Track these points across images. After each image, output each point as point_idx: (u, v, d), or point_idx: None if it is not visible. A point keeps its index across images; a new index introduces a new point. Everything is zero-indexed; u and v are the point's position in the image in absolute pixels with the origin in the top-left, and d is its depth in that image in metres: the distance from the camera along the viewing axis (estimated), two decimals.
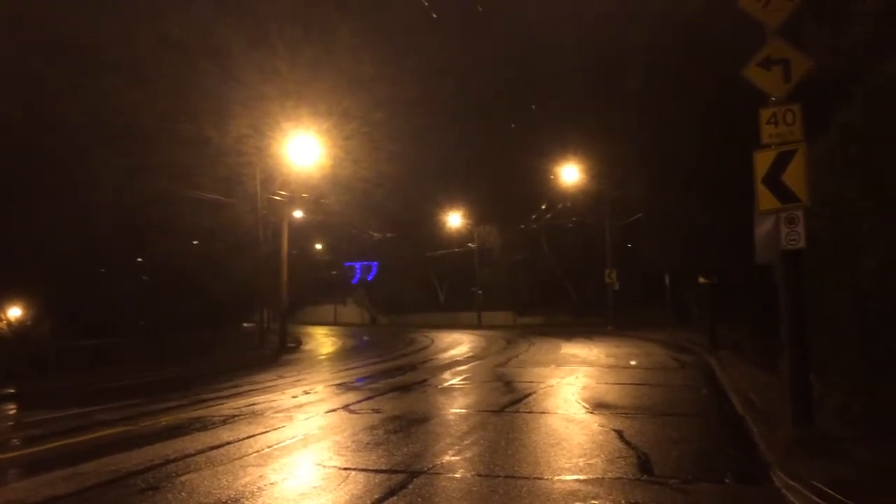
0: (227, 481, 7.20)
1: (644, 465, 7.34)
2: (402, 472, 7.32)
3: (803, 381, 7.48)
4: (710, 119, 22.60)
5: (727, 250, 20.72)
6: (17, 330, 26.87)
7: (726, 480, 6.73)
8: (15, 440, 10.84)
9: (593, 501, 6.08)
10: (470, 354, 24.32)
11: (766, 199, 7.64)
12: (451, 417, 10.99)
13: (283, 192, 31.54)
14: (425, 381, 16.31)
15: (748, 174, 7.86)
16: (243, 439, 9.47)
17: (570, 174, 41.24)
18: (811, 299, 9.17)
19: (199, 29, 31.72)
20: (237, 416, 11.67)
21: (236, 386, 16.79)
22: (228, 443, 9.24)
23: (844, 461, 6.52)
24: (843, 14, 10.49)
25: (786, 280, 7.65)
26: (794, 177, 7.44)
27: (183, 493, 6.80)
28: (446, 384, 15.47)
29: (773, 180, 7.55)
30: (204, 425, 10.80)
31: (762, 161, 7.67)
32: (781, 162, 7.52)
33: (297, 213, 40.92)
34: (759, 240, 8.18)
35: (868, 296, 8.09)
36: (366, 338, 42.85)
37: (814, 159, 8.25)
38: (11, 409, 15.14)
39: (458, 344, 30.59)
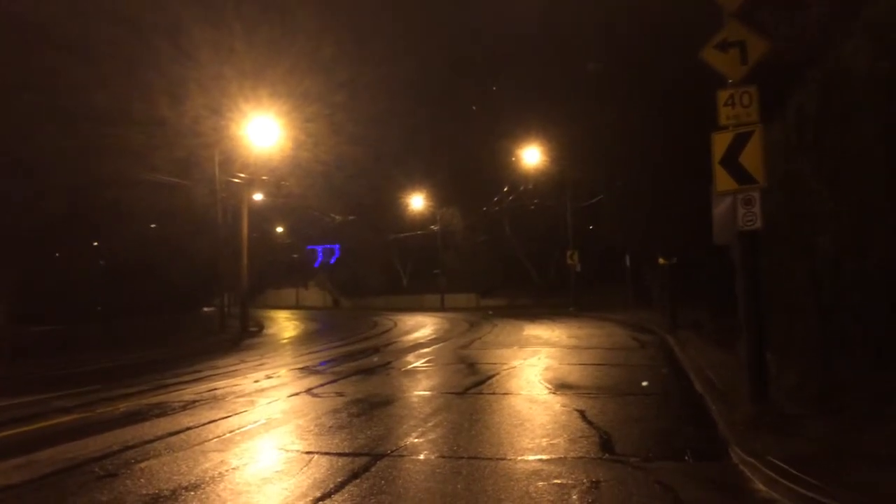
0: (187, 467, 7.11)
1: (606, 443, 7.45)
2: (365, 454, 7.31)
3: (760, 360, 7.63)
4: (670, 100, 22.79)
5: (687, 231, 20.98)
6: None
7: (686, 458, 6.85)
8: None
9: (556, 480, 6.14)
10: (433, 337, 24.36)
11: (723, 180, 7.73)
12: (415, 400, 11.00)
13: (243, 175, 31.09)
14: (388, 363, 16.30)
15: (707, 155, 7.95)
16: (204, 424, 9.37)
17: (531, 156, 41.40)
18: (768, 279, 9.33)
19: (153, 5, 30.98)
20: (198, 401, 11.53)
21: (197, 371, 16.58)
22: (189, 428, 9.14)
23: (800, 437, 6.68)
24: None
25: (742, 260, 7.78)
26: (751, 158, 7.54)
27: (142, 480, 6.71)
28: (409, 367, 15.48)
29: (731, 161, 7.64)
30: (164, 411, 10.66)
31: (720, 142, 7.76)
32: (738, 143, 7.61)
33: (258, 196, 40.42)
34: (716, 220, 8.29)
35: (823, 276, 8.25)
36: (326, 322, 42.68)
37: (771, 142, 8.36)
38: None
39: (422, 327, 30.63)
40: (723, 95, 7.79)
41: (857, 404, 6.79)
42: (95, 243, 33.69)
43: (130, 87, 27.86)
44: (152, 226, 33.76)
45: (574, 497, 5.69)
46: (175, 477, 6.76)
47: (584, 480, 6.10)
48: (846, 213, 7.53)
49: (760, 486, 5.82)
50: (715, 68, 7.90)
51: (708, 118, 8.00)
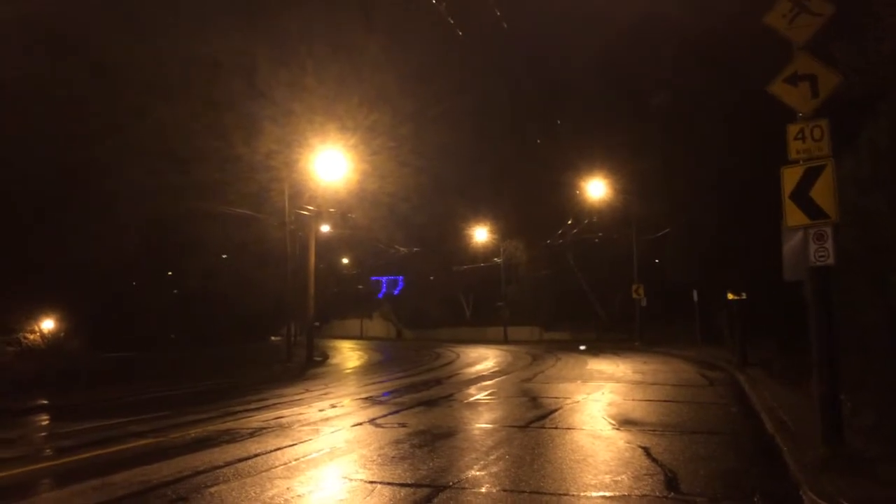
0: (254, 493, 7.28)
1: (671, 482, 7.30)
2: (427, 486, 7.35)
3: (833, 400, 7.39)
4: (736, 134, 22.49)
5: (756, 266, 20.54)
6: (50, 343, 27.36)
7: (755, 499, 6.67)
8: (47, 450, 11.05)
9: None
10: (496, 369, 24.28)
11: (793, 214, 7.59)
12: (477, 432, 11.00)
13: (311, 207, 31.84)
14: (451, 395, 16.32)
15: (776, 189, 7.83)
16: (271, 452, 9.56)
17: (595, 189, 41.15)
18: (841, 316, 9.07)
19: (231, 48, 32.33)
20: (265, 428, 11.78)
21: (264, 399, 16.93)
22: (256, 455, 9.34)
23: (874, 480, 6.43)
24: (872, 30, 10.43)
25: (814, 297, 7.59)
26: (823, 192, 7.40)
27: None
28: (472, 399, 15.47)
29: (801, 196, 7.51)
30: (232, 437, 10.92)
31: (790, 177, 7.64)
32: (809, 178, 7.48)
33: (325, 228, 41.28)
34: (787, 256, 8.13)
35: None
36: (391, 353, 42.96)
37: (842, 175, 8.20)
38: (44, 420, 15.43)
39: (484, 359, 30.55)
40: (793, 129, 7.69)
41: None
42: (169, 273, 34.96)
43: (208, 125, 29.04)
44: (224, 257, 34.85)
45: None
46: (243, 502, 6.94)
47: None
48: None
49: None
50: (784, 102, 7.81)
51: (775, 152, 7.91)
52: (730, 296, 22.80)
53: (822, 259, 7.43)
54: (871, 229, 8.71)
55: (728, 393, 15.49)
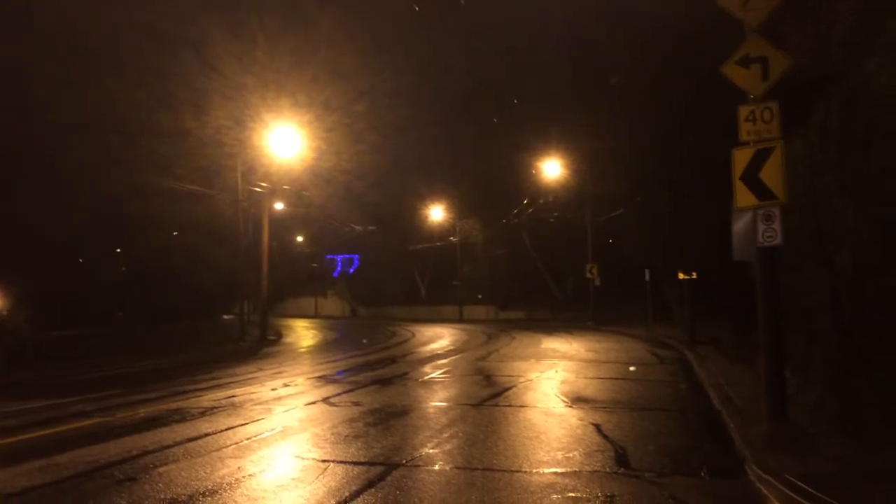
0: (204, 473, 7.18)
1: (621, 458, 7.42)
2: (380, 464, 7.34)
3: (778, 377, 7.56)
4: (690, 115, 22.74)
5: (707, 246, 20.89)
6: None
7: (702, 474, 6.82)
8: None
9: (570, 494, 6.13)
10: (451, 348, 24.37)
11: (743, 195, 7.70)
12: (431, 410, 11.02)
13: (264, 184, 31.33)
14: (406, 374, 16.33)
15: (727, 171, 7.92)
16: (222, 431, 9.44)
17: (551, 169, 41.35)
18: (789, 296, 9.27)
19: (179, 18, 31.48)
20: (216, 407, 11.62)
21: (216, 378, 16.71)
22: (207, 434, 9.22)
23: (818, 455, 6.62)
24: (824, 14, 10.59)
25: (762, 277, 7.73)
26: (772, 174, 7.51)
27: (160, 485, 6.78)
28: (427, 377, 15.50)
29: (751, 177, 7.61)
30: (182, 417, 10.76)
31: (740, 158, 7.73)
32: (759, 159, 7.58)
33: (279, 205, 40.72)
34: (736, 236, 8.25)
35: (843, 292, 8.19)
36: (344, 331, 42.80)
37: (793, 157, 8.34)
38: None
39: (439, 338, 30.64)
40: (744, 111, 7.77)
41: (876, 424, 6.72)
42: (118, 250, 34.14)
43: (156, 98, 28.30)
44: (175, 234, 34.16)
45: None
46: (193, 482, 6.83)
47: (599, 494, 6.09)
48: (867, 231, 7.49)
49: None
50: (736, 84, 7.87)
51: (728, 133, 7.99)
52: (681, 275, 23.21)
53: (769, 240, 7.55)
54: (819, 211, 8.90)
55: (677, 370, 15.80)
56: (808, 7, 10.77)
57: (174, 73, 30.30)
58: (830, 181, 8.49)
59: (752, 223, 7.74)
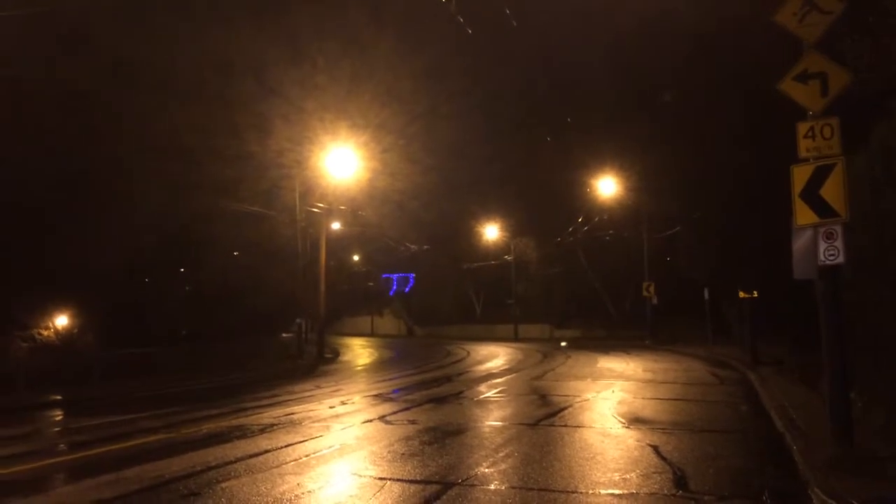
0: (265, 489, 7.35)
1: (679, 480, 7.32)
2: (436, 482, 7.40)
3: (843, 399, 7.39)
4: (746, 131, 22.38)
5: (768, 264, 20.45)
6: (64, 338, 27.65)
7: (763, 498, 6.68)
8: (62, 445, 11.19)
9: None
10: (506, 367, 24.30)
11: (803, 213, 7.59)
12: (487, 430, 11.04)
13: (322, 204, 31.92)
14: (461, 393, 16.37)
15: (787, 188, 7.82)
16: (281, 448, 9.64)
17: (606, 187, 41.04)
18: (854, 315, 9.04)
19: (242, 47, 32.45)
20: (276, 424, 11.86)
21: (275, 395, 17.04)
22: (267, 451, 9.42)
23: (884, 480, 6.43)
24: (883, 28, 10.37)
25: (824, 295, 7.58)
26: (833, 191, 7.38)
27: (223, 499, 6.97)
28: (482, 396, 15.51)
29: (811, 195, 7.50)
30: (244, 433, 11.01)
31: (800, 175, 7.63)
32: (819, 176, 7.47)
33: (335, 225, 41.41)
34: (796, 255, 8.11)
35: None
36: (400, 350, 43.02)
37: (854, 174, 8.17)
38: (58, 415, 15.58)
39: (494, 356, 30.58)
40: (802, 128, 7.68)
41: None
42: (182, 269, 35.18)
43: (221, 124, 29.20)
44: (235, 254, 35.03)
45: None
46: (254, 498, 7.01)
47: None
48: None
49: None
50: (794, 100, 7.80)
51: (785, 149, 7.89)
52: (741, 294, 22.72)
53: (831, 258, 7.42)
54: (884, 228, 8.68)
55: (738, 391, 15.45)
56: (867, 22, 10.56)
57: (239, 100, 31.25)
58: (893, 197, 8.27)
59: (812, 241, 7.62)
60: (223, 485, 7.58)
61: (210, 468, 8.45)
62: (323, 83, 32.49)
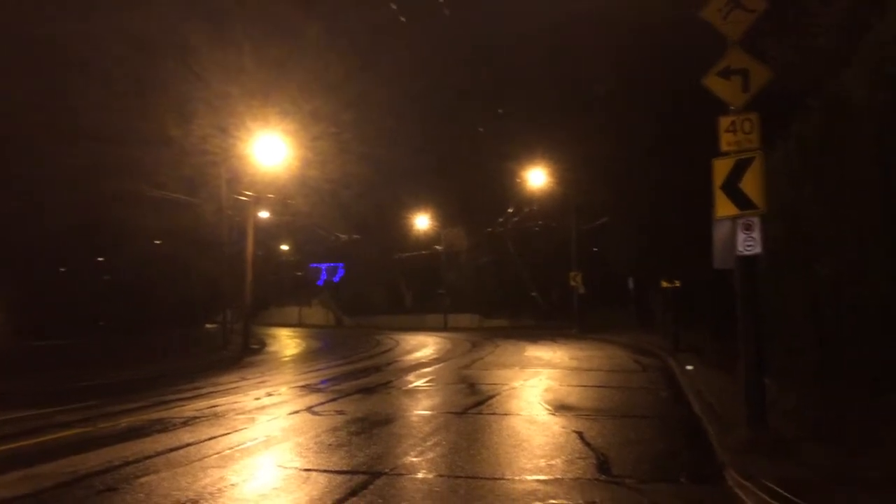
0: (186, 483, 7.15)
1: (602, 465, 7.46)
2: (363, 472, 7.34)
3: (757, 384, 7.65)
4: (673, 125, 22.93)
5: (690, 255, 21.04)
6: None
7: (681, 480, 6.88)
8: None
9: (552, 501, 6.17)
10: (435, 357, 24.36)
11: (723, 205, 7.80)
12: (415, 419, 11.03)
13: (249, 193, 31.21)
14: (390, 382, 16.31)
15: (709, 180, 8.02)
16: (204, 441, 9.40)
17: (536, 178, 41.51)
18: (769, 305, 9.38)
19: (162, 27, 31.35)
20: (198, 417, 11.57)
21: (198, 388, 16.62)
22: (189, 444, 9.17)
23: (795, 461, 6.69)
24: (805, 28, 10.75)
25: (742, 284, 7.82)
26: (751, 184, 7.61)
27: (141, 495, 6.75)
28: (410, 386, 15.49)
29: (731, 187, 7.71)
30: (164, 427, 10.69)
31: (721, 168, 7.83)
32: (739, 169, 7.68)
33: (263, 214, 40.58)
34: (717, 245, 8.34)
35: (822, 302, 8.30)
36: (329, 340, 42.64)
37: (772, 168, 8.45)
38: None
39: (424, 346, 30.62)
40: (724, 122, 7.87)
41: (853, 430, 6.81)
42: (100, 259, 33.93)
43: (139, 106, 28.15)
44: (157, 242, 33.98)
45: None
46: (174, 492, 6.80)
47: (581, 501, 6.13)
48: (845, 240, 7.60)
49: None
50: (717, 95, 7.98)
51: (711, 143, 8.08)
52: (664, 283, 23.34)
53: (749, 248, 7.65)
54: (799, 220, 9.02)
55: (659, 378, 15.89)
56: (788, 20, 10.93)
57: (157, 82, 30.18)
58: (809, 191, 8.61)
59: (732, 232, 7.83)
60: (142, 480, 7.34)
61: (128, 463, 8.17)
62: (250, 68, 31.65)
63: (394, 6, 17.85)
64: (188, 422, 11.11)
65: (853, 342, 7.46)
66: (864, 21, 8.88)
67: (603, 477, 6.99)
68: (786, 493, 5.62)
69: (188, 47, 30.18)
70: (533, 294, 51.00)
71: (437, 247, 54.81)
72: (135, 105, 27.96)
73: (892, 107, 6.31)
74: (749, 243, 7.65)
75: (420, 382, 16.11)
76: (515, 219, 46.76)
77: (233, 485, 7.06)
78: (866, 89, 6.89)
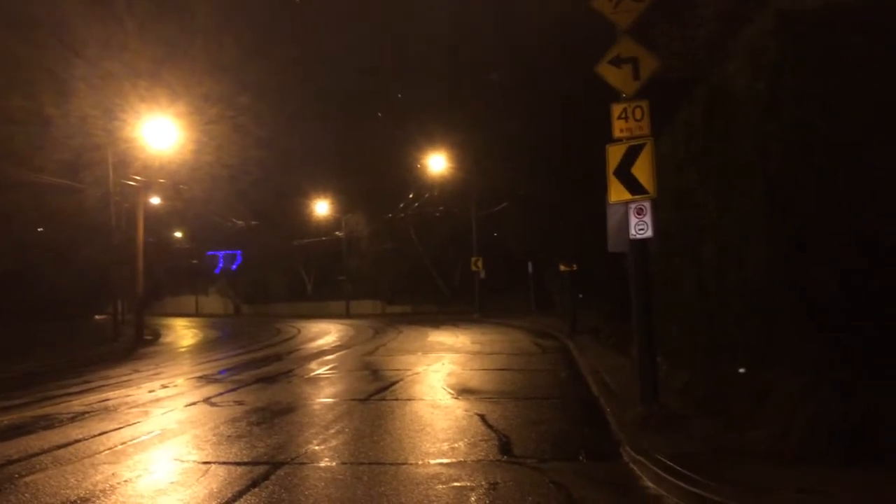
0: (76, 480, 6.82)
1: (504, 446, 7.61)
2: (264, 463, 7.20)
3: (650, 363, 7.97)
4: (569, 112, 23.51)
5: (586, 239, 21.68)
6: None
7: (580, 458, 7.10)
8: None
9: (455, 483, 6.24)
10: (337, 344, 24.16)
11: (616, 190, 8.05)
12: (317, 407, 10.91)
13: (139, 178, 29.81)
14: (291, 371, 16.07)
15: (604, 166, 8.26)
16: (94, 436, 8.98)
17: (437, 164, 41.69)
18: (661, 287, 9.78)
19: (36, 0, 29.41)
20: (88, 412, 11.04)
21: (87, 381, 15.85)
22: (78, 440, 8.74)
23: (685, 436, 7.03)
24: (690, 18, 11.21)
25: (634, 267, 8.11)
26: (642, 170, 7.88)
27: (27, 495, 6.38)
28: (312, 374, 15.31)
29: (624, 173, 7.97)
30: (51, 423, 10.14)
31: (614, 154, 8.08)
32: (631, 155, 7.94)
33: (155, 200, 39.03)
34: (611, 229, 8.62)
35: (708, 283, 8.72)
36: (227, 329, 41.56)
37: (662, 154, 8.78)
38: None
39: (326, 333, 30.30)
40: (616, 109, 8.11)
41: (738, 405, 7.20)
42: None
43: (10, 84, 26.30)
44: (39, 230, 32.06)
45: (472, 499, 5.80)
46: (63, 491, 6.47)
47: (483, 482, 6.23)
48: (728, 224, 8.00)
49: (649, 483, 6.10)
50: (609, 82, 8.21)
51: (605, 130, 8.31)
52: (562, 267, 23.97)
53: (641, 232, 7.94)
54: (685, 205, 9.44)
55: (559, 360, 16.34)
56: (674, 11, 11.37)
57: (30, 57, 28.22)
58: (694, 176, 9.00)
59: (624, 216, 8.11)
60: (27, 479, 6.94)
61: (11, 462, 7.70)
62: (134, 46, 30.17)
63: None
64: (77, 417, 10.58)
65: (735, 322, 7.88)
66: (742, 13, 9.35)
67: (505, 458, 7.13)
68: (677, 467, 5.90)
69: (65, 23, 28.47)
70: (435, 279, 51.34)
71: (338, 233, 54.27)
72: (6, 82, 26.11)
73: (771, 96, 6.66)
74: (641, 227, 7.94)
75: (322, 370, 15.94)
76: (416, 204, 46.88)
77: (126, 481, 6.78)
78: (747, 79, 7.25)
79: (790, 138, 6.56)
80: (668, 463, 6.05)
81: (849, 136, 6.20)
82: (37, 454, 8.06)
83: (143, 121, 28.41)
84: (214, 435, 8.81)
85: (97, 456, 7.88)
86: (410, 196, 46.56)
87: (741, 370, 7.56)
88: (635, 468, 6.50)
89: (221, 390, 13.08)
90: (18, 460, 7.79)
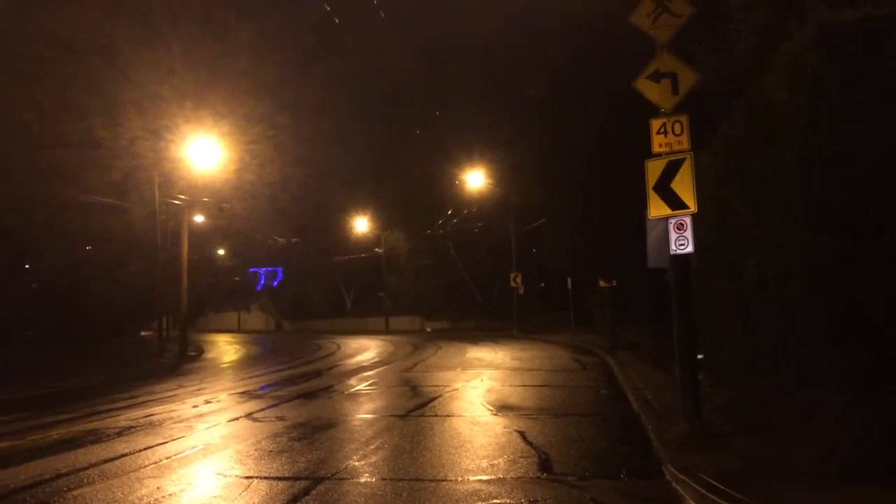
0: (121, 494, 6.96)
1: (544, 464, 7.57)
2: (305, 478, 7.27)
3: (692, 380, 7.87)
4: (607, 127, 23.41)
5: (626, 254, 21.52)
6: None
7: (621, 476, 7.02)
8: None
9: (495, 500, 6.22)
10: (377, 360, 24.26)
11: (656, 205, 8.00)
12: (357, 423, 10.97)
13: (183, 196, 30.48)
14: (331, 387, 16.18)
15: (643, 181, 8.22)
16: (140, 451, 9.16)
17: (475, 180, 41.81)
18: (702, 302, 9.66)
19: (87, 25, 30.37)
20: (134, 427, 11.26)
21: (133, 397, 16.17)
22: (124, 455, 8.92)
23: (728, 454, 6.92)
24: (728, 33, 11.13)
25: (675, 283, 8.04)
26: (682, 184, 7.83)
27: None
28: (352, 390, 15.40)
29: (663, 188, 7.93)
30: (98, 438, 10.38)
31: (653, 169, 8.04)
32: (670, 170, 7.90)
33: (199, 218, 39.77)
34: (650, 245, 8.57)
35: (749, 298, 8.59)
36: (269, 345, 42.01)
37: (702, 168, 8.71)
38: None
39: (365, 349, 30.46)
40: (655, 124, 8.09)
41: (781, 422, 7.07)
42: (27, 266, 32.68)
43: (64, 106, 27.15)
44: (88, 248, 32.90)
45: None
46: None
47: (523, 500, 6.20)
48: (769, 238, 7.88)
49: (691, 502, 6.01)
50: (648, 98, 8.19)
51: (644, 145, 8.28)
52: (601, 283, 23.80)
53: (682, 247, 7.87)
54: (725, 220, 9.33)
55: (599, 376, 16.18)
56: (712, 26, 11.30)
57: (83, 82, 29.15)
58: (734, 190, 8.90)
59: (665, 232, 8.05)
60: (75, 492, 7.11)
61: (60, 475, 7.90)
62: (181, 69, 31.00)
63: (328, 7, 17.74)
64: (123, 432, 10.81)
65: (778, 337, 7.74)
66: (781, 27, 9.25)
67: (545, 475, 7.09)
68: (722, 486, 5.81)
69: (115, 48, 29.35)
70: (474, 295, 51.29)
71: (378, 249, 54.61)
72: (58, 106, 26.96)
73: (811, 110, 6.58)
74: (681, 242, 7.88)
75: (362, 386, 16.03)
76: (455, 220, 46.97)
77: (170, 495, 6.91)
78: (787, 93, 7.16)
79: (832, 152, 6.46)
80: (712, 482, 5.96)
81: (892, 150, 6.09)
82: (84, 468, 8.25)
83: (188, 141, 29.09)
84: (256, 450, 8.92)
85: (142, 470, 8.04)
86: (449, 212, 46.70)
87: (783, 386, 7.42)
88: (678, 487, 6.41)
89: (263, 406, 13.23)
90: (67, 474, 7.98)
